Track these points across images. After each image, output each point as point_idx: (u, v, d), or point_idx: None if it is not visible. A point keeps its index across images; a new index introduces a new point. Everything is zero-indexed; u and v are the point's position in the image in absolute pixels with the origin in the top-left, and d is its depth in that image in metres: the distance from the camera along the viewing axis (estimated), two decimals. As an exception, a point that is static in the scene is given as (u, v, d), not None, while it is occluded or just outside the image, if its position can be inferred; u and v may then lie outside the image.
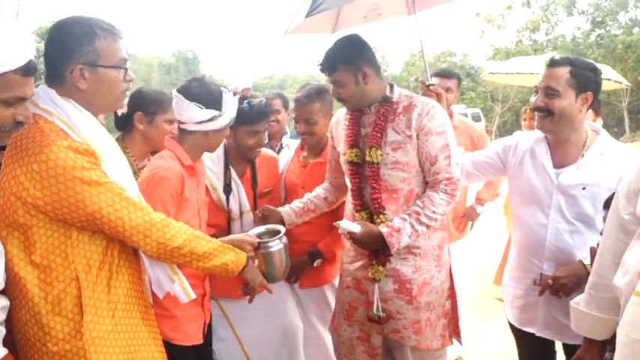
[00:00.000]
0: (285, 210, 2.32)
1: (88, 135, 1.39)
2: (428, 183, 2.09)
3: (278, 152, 2.94)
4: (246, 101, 2.25)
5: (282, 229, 2.02)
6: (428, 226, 2.02)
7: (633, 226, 1.40)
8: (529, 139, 2.08)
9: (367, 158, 2.06)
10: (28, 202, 1.31)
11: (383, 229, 1.99)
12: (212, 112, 1.91)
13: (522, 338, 2.14)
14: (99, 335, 1.37)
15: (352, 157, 2.12)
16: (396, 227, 1.99)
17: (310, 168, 2.54)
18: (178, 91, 1.93)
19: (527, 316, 2.04)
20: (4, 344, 1.31)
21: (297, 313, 2.58)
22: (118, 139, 2.06)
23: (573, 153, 1.95)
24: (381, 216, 2.05)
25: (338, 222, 2.03)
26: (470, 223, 3.50)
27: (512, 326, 2.17)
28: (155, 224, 1.41)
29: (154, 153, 2.14)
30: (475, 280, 4.96)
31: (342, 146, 2.20)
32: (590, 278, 1.55)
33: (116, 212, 1.36)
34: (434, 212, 2.00)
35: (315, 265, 2.47)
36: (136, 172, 2.07)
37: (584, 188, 1.89)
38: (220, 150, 2.36)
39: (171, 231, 1.44)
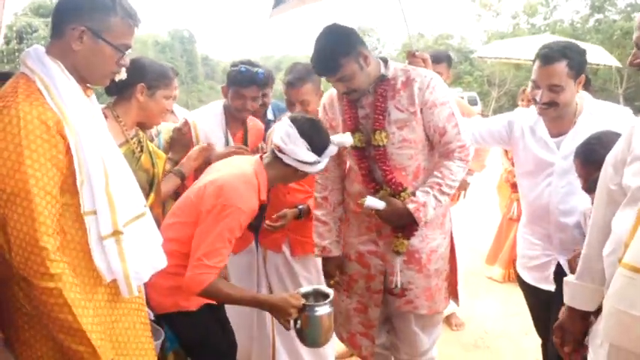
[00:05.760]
0: (337, 250, 2.25)
1: (67, 100, 1.35)
2: (439, 154, 2.10)
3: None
4: (243, 66, 2.38)
5: (332, 293, 2.01)
6: (449, 195, 2.05)
7: (620, 197, 1.39)
8: (527, 116, 2.21)
9: (373, 142, 2.03)
10: None
11: (410, 205, 1.99)
12: (314, 157, 1.93)
13: (533, 295, 2.28)
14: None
15: (356, 143, 2.07)
16: (422, 202, 2.00)
17: None
18: (293, 122, 1.93)
19: (542, 275, 2.18)
20: None
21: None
22: (109, 106, 2.03)
23: (568, 122, 2.08)
24: (403, 193, 2.04)
25: (362, 199, 2.01)
26: (463, 192, 3.69)
27: (524, 284, 2.32)
28: (39, 245, 1.25)
29: (140, 125, 2.12)
30: (468, 259, 5.00)
31: (340, 129, 2.17)
32: (583, 251, 1.56)
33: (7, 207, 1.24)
34: (453, 180, 2.03)
35: (299, 219, 2.52)
36: (128, 141, 2.05)
37: None
38: (220, 109, 2.61)
39: (54, 265, 1.26)
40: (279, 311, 1.88)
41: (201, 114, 2.69)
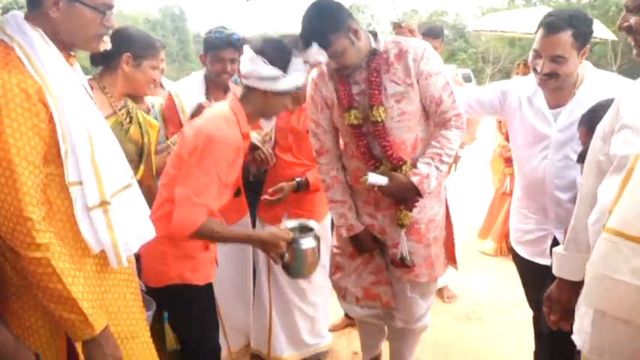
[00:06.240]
0: (362, 223, 2.21)
1: (48, 68, 1.30)
2: (435, 123, 2.09)
3: None
4: (217, 30, 2.44)
5: (316, 225, 2.05)
6: (448, 164, 2.06)
7: (608, 167, 1.39)
8: (525, 86, 2.14)
9: (371, 118, 2.00)
10: None
11: (414, 178, 1.99)
12: (276, 71, 1.81)
13: (527, 269, 2.27)
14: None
15: (352, 120, 2.03)
16: (425, 174, 2.00)
17: (297, 113, 2.53)
18: (250, 45, 1.86)
19: (538, 249, 2.17)
20: None
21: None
22: (94, 77, 1.99)
23: (567, 93, 2.02)
24: (404, 167, 2.03)
25: (365, 177, 1.99)
26: (454, 165, 3.69)
27: (517, 257, 2.30)
28: (24, 215, 1.22)
29: (129, 96, 2.08)
30: (460, 233, 5.03)
31: (336, 107, 2.12)
32: (571, 222, 1.58)
33: None
34: (452, 149, 2.04)
35: (297, 191, 2.52)
36: (116, 112, 2.02)
37: None
38: (200, 78, 2.64)
39: (40, 235, 1.23)
40: (269, 245, 1.89)
41: (182, 84, 2.71)
